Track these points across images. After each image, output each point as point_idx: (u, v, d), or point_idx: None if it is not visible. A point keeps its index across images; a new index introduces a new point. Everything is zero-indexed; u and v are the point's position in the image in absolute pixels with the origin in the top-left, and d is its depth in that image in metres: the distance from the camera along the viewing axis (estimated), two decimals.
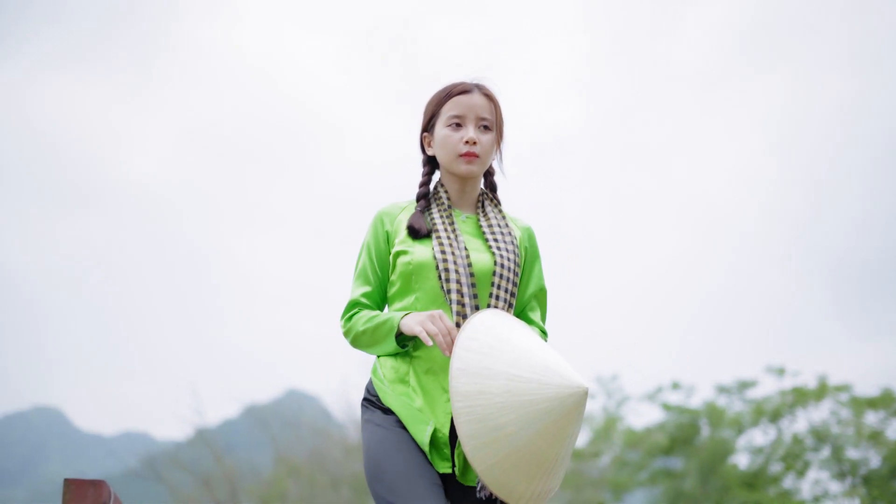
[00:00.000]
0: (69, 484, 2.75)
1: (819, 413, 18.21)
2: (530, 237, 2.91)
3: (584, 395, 2.40)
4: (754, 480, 18.26)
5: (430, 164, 2.94)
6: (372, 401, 2.74)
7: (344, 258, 3.03)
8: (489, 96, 2.84)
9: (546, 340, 2.86)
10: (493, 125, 2.83)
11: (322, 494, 19.81)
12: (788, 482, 18.37)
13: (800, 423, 18.48)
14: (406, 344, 2.68)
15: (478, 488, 2.57)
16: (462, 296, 2.64)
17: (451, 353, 2.50)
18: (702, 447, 19.24)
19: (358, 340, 2.75)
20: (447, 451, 2.59)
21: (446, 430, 2.59)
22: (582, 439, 21.72)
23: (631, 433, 20.50)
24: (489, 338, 2.50)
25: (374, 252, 2.80)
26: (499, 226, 2.83)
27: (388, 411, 2.68)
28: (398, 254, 2.74)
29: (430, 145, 2.91)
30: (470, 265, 2.70)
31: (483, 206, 2.91)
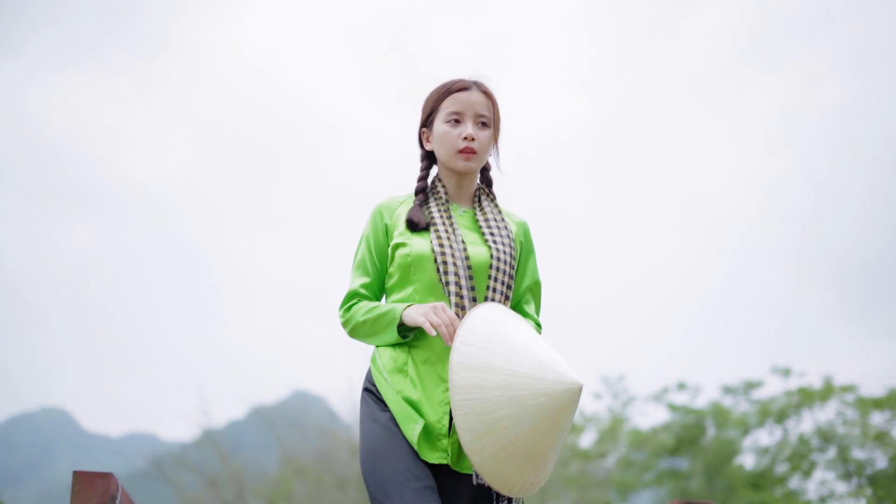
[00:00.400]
0: (78, 476, 2.80)
1: (825, 413, 18.22)
2: (525, 232, 2.98)
3: (578, 392, 2.47)
4: (760, 481, 18.26)
5: (428, 159, 3.00)
6: (372, 391, 2.79)
7: (344, 258, 3.07)
8: (487, 93, 2.91)
9: (540, 332, 2.94)
10: (490, 122, 2.90)
11: (328, 495, 19.84)
12: (794, 482, 18.37)
13: (805, 423, 18.49)
14: (407, 335, 2.74)
15: (474, 476, 2.62)
16: (460, 287, 2.71)
17: (452, 343, 2.57)
18: (708, 447, 19.25)
19: (357, 331, 2.81)
20: (442, 441, 2.65)
21: (445, 422, 2.66)
22: (588, 439, 21.73)
23: (637, 433, 20.50)
24: (488, 333, 2.57)
25: (372, 244, 2.86)
26: (495, 220, 2.89)
27: (385, 405, 2.74)
28: (397, 246, 2.81)
29: (428, 141, 2.97)
30: (467, 258, 2.76)
31: (480, 200, 2.97)
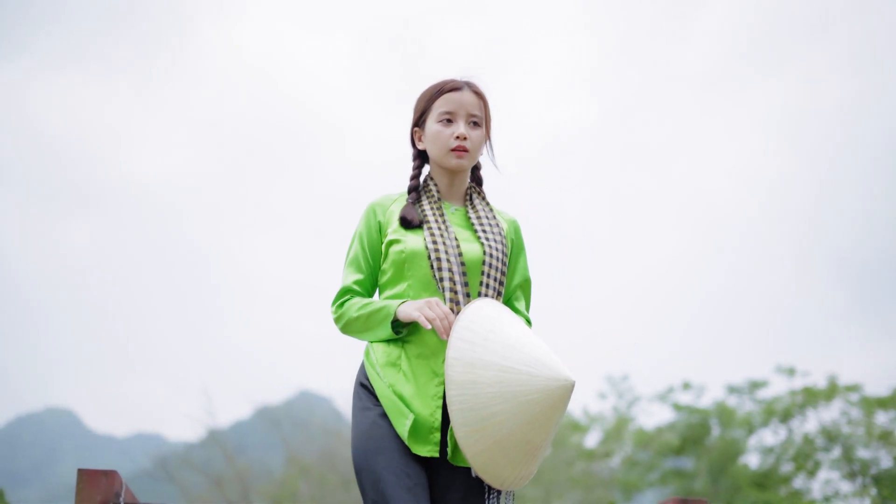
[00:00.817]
0: (82, 474, 2.83)
1: (829, 413, 18.21)
2: (516, 229, 3.02)
3: (571, 388, 2.52)
4: (765, 480, 18.26)
5: (420, 158, 3.04)
6: (365, 386, 2.82)
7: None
8: (479, 94, 2.95)
9: (530, 329, 2.96)
10: (481, 122, 2.94)
11: (333, 494, 19.88)
12: (799, 482, 18.37)
13: (810, 423, 18.48)
14: (400, 331, 2.77)
15: (473, 469, 2.65)
16: (454, 283, 2.75)
17: (447, 337, 2.61)
18: (712, 447, 19.25)
19: (350, 326, 2.84)
20: (434, 435, 2.68)
21: (437, 416, 2.69)
22: (593, 439, 21.75)
23: (641, 433, 20.51)
24: (483, 329, 2.61)
25: (366, 241, 2.90)
26: (487, 217, 2.93)
27: (377, 400, 2.77)
28: (391, 243, 2.84)
29: (420, 140, 3.00)
30: (460, 254, 2.80)
31: (471, 198, 3.01)
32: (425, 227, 2.84)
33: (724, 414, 19.41)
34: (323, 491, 20.22)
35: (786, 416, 18.59)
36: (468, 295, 2.76)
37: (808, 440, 18.19)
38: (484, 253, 2.82)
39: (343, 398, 22.81)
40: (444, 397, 2.70)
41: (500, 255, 2.86)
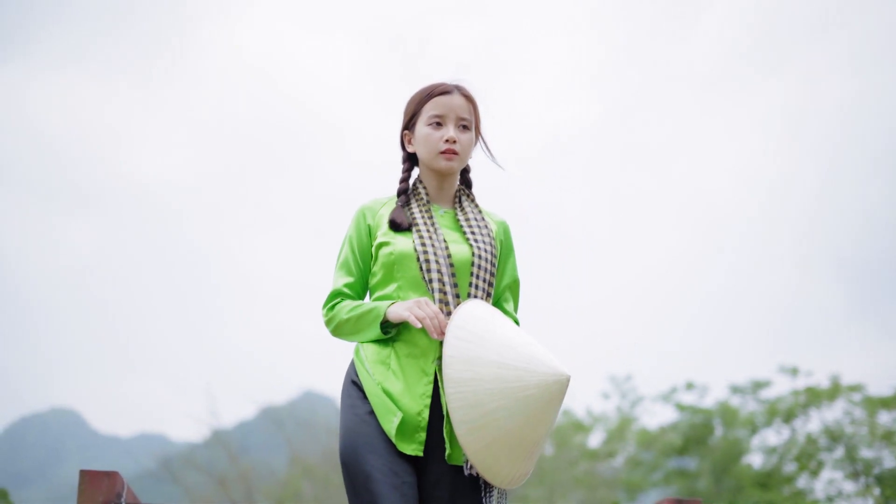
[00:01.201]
0: (84, 475, 2.86)
1: (832, 413, 18.19)
2: (505, 231, 3.06)
3: (566, 383, 2.56)
4: (768, 480, 18.25)
5: (410, 161, 3.07)
6: (356, 383, 2.85)
7: None
8: (468, 97, 2.99)
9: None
10: (471, 125, 2.97)
11: (336, 494, 19.89)
12: (802, 482, 18.35)
13: (813, 422, 18.46)
14: (389, 331, 2.81)
15: (466, 467, 2.67)
16: (443, 284, 2.79)
17: (437, 335, 2.66)
18: (715, 447, 19.24)
19: (340, 328, 2.88)
20: (419, 434, 2.72)
21: (425, 415, 2.73)
22: (596, 439, 21.76)
23: (645, 433, 20.51)
24: (477, 328, 2.66)
25: (356, 245, 2.94)
26: (476, 220, 2.96)
27: (366, 398, 2.80)
28: (380, 245, 2.88)
29: (410, 143, 3.04)
30: (449, 256, 2.83)
31: (460, 201, 3.04)
32: (414, 229, 2.87)
33: (727, 414, 19.40)
34: (326, 491, 20.23)
35: (789, 416, 18.58)
36: (457, 296, 2.80)
37: (811, 440, 18.17)
38: (473, 254, 2.86)
39: None
40: (433, 397, 2.74)
41: (489, 257, 2.89)
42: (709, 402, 19.96)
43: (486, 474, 2.62)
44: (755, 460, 19.35)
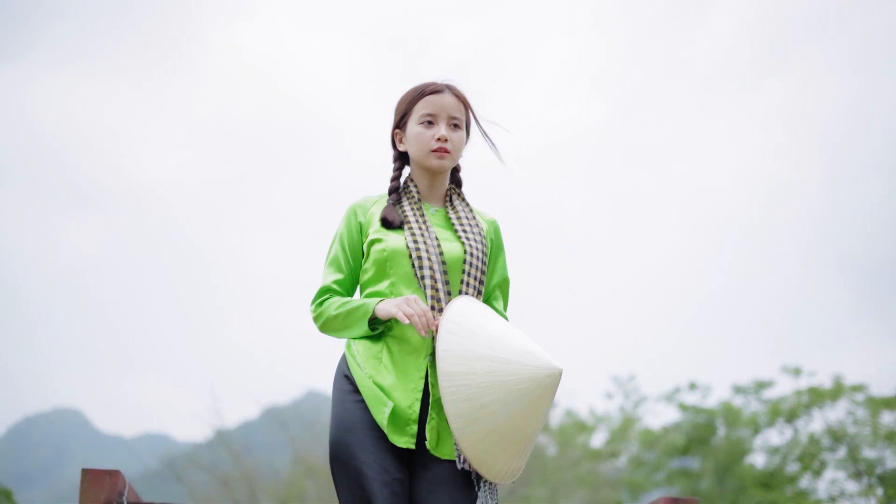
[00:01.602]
0: (86, 474, 2.88)
1: (835, 413, 18.18)
2: (496, 230, 3.08)
3: (558, 377, 2.61)
4: (771, 480, 18.25)
5: (401, 159, 3.10)
6: (347, 376, 2.88)
7: None
8: (459, 96, 3.02)
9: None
10: (462, 124, 3.00)
11: None
12: (805, 482, 18.34)
13: (816, 422, 18.45)
14: (377, 328, 2.84)
15: (459, 461, 2.69)
16: (435, 281, 2.82)
17: (426, 333, 2.68)
18: (718, 447, 19.24)
19: (328, 325, 2.90)
20: (411, 427, 2.74)
21: (416, 408, 2.76)
22: (599, 439, 21.77)
23: (648, 433, 20.52)
24: (469, 323, 2.70)
25: (346, 242, 2.96)
26: (467, 218, 2.99)
27: (357, 391, 2.82)
28: (372, 242, 2.91)
29: (401, 142, 3.07)
30: (441, 254, 2.87)
31: (451, 199, 3.07)
32: (406, 227, 2.90)
33: (729, 414, 19.39)
34: (330, 491, 20.22)
35: (791, 416, 18.57)
36: (449, 293, 2.83)
37: (813, 440, 18.17)
38: (465, 252, 2.89)
39: None
40: (423, 391, 2.76)
41: (480, 255, 2.93)
42: (711, 402, 19.97)
43: (481, 468, 2.65)
44: (758, 460, 19.35)
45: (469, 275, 2.88)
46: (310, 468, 20.91)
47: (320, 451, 21.58)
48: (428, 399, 2.78)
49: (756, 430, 19.17)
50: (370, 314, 2.80)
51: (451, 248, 2.90)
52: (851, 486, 17.57)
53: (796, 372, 18.78)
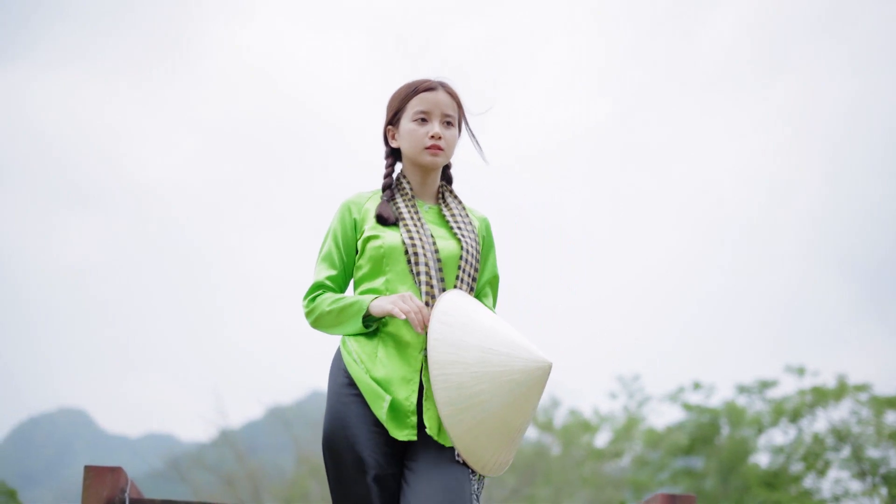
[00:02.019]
0: (89, 471, 2.90)
1: (839, 412, 18.18)
2: (487, 227, 3.10)
3: (548, 370, 2.63)
4: (775, 480, 18.25)
5: (393, 156, 3.11)
6: (344, 369, 2.88)
7: None
8: (452, 94, 3.03)
9: None
10: (455, 122, 3.01)
11: None
12: (809, 482, 18.35)
13: (820, 422, 18.46)
14: (370, 325, 2.83)
15: (456, 452, 2.70)
16: (430, 278, 2.83)
17: (422, 329, 2.69)
18: (722, 447, 19.24)
19: (321, 321, 2.90)
20: (411, 419, 2.74)
21: (413, 399, 2.75)
22: (603, 439, 21.78)
23: (652, 433, 20.53)
24: (460, 314, 2.73)
25: (340, 238, 2.96)
26: (461, 215, 3.00)
27: (354, 384, 2.82)
28: (368, 239, 2.91)
29: (394, 138, 3.08)
30: (437, 251, 2.88)
31: (444, 197, 3.08)
32: (401, 223, 2.91)
33: (733, 414, 19.39)
34: None
35: (795, 416, 18.57)
36: (444, 290, 2.85)
37: (817, 440, 18.17)
38: (461, 249, 2.90)
39: None
40: (420, 383, 2.76)
41: (475, 252, 2.95)
42: (715, 401, 19.97)
43: (469, 458, 2.67)
44: (762, 460, 19.36)
45: (464, 272, 2.90)
46: (314, 468, 20.92)
47: None
48: (423, 391, 2.78)
49: (760, 429, 19.17)
50: (364, 311, 2.80)
51: (447, 245, 2.91)
52: (855, 486, 17.58)
53: (800, 371, 18.78)
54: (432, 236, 2.90)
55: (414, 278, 2.84)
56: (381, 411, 2.73)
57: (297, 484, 21.21)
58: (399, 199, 2.99)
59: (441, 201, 3.07)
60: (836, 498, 17.64)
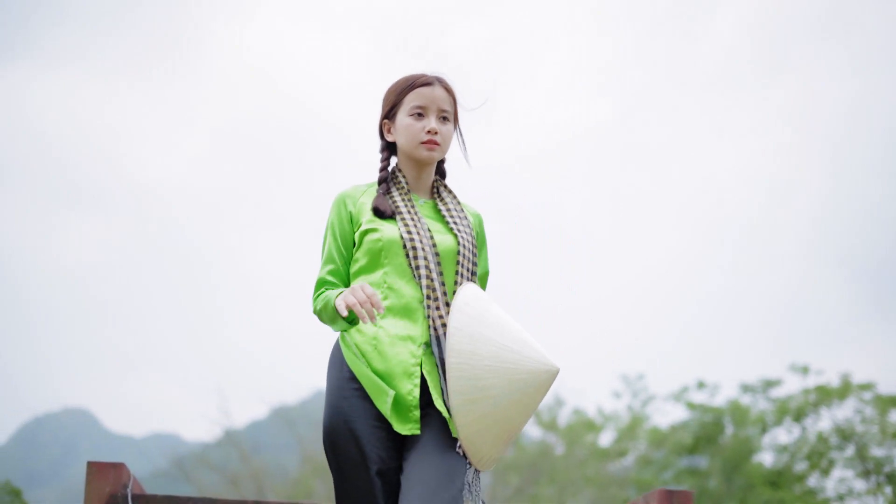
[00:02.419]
0: (91, 466, 2.91)
1: (843, 411, 18.17)
2: (480, 223, 3.12)
3: (555, 374, 2.65)
4: (779, 479, 18.24)
5: (388, 150, 3.10)
6: (344, 362, 2.87)
7: None
8: (449, 90, 3.04)
9: None
10: (451, 117, 3.02)
11: None
12: (813, 481, 18.34)
13: (824, 421, 18.44)
14: (354, 320, 2.82)
15: (458, 444, 2.71)
16: (430, 272, 2.83)
17: (368, 321, 2.64)
18: (726, 446, 19.23)
19: (322, 321, 2.93)
20: (414, 413, 2.74)
21: (416, 393, 2.75)
22: (607, 438, 21.78)
23: (656, 432, 20.52)
24: (479, 307, 2.75)
25: (338, 232, 2.96)
26: (456, 210, 3.01)
27: (354, 378, 2.82)
28: (366, 231, 2.91)
29: (389, 132, 3.07)
30: (434, 245, 2.88)
31: (438, 191, 3.08)
32: (398, 217, 2.91)
33: (737, 413, 19.38)
34: None
35: (799, 415, 18.55)
36: (443, 284, 2.85)
37: (821, 439, 18.16)
38: (458, 243, 2.91)
39: None
40: (422, 377, 2.76)
41: (471, 247, 2.96)
42: (719, 400, 19.96)
43: (469, 448, 2.68)
44: (766, 459, 19.34)
45: (462, 266, 2.90)
46: (318, 467, 20.94)
47: None
48: (426, 386, 2.78)
49: (764, 428, 19.15)
50: (332, 308, 2.80)
51: (444, 240, 2.91)
52: (859, 485, 17.57)
53: (804, 370, 18.76)
54: (429, 230, 2.90)
55: (413, 273, 2.84)
56: (384, 406, 2.73)
57: (302, 483, 21.23)
58: (395, 193, 2.99)
59: (436, 195, 3.08)
60: (840, 497, 17.62)
